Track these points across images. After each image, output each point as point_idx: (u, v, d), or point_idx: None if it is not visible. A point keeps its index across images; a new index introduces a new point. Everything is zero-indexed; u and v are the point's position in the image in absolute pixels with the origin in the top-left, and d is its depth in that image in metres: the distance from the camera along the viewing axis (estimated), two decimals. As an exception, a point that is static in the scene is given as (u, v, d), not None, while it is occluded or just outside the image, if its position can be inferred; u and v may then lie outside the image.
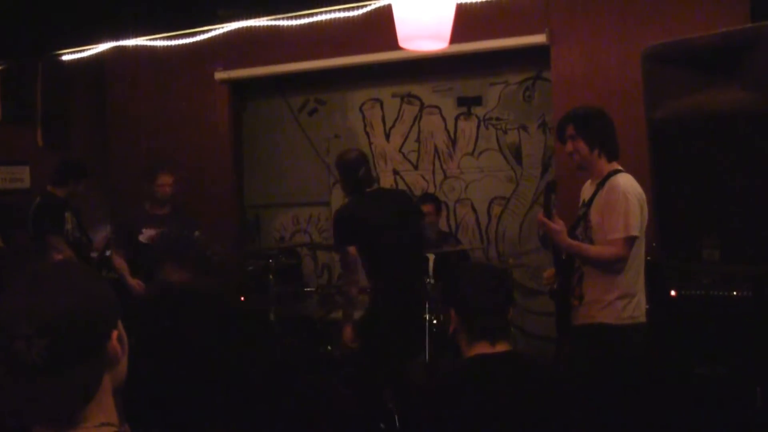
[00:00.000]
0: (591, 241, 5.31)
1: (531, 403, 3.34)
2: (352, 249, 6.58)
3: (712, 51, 3.91)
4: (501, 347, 3.48)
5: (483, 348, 3.47)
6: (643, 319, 5.29)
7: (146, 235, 7.79)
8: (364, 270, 6.76)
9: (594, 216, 5.31)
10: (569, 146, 5.47)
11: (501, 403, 3.27)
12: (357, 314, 6.67)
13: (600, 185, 5.34)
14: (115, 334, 1.91)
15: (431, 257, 7.00)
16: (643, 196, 5.20)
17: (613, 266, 5.19)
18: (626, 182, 5.23)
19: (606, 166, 5.38)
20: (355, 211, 6.70)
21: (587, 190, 5.54)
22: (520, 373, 3.46)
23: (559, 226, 5.31)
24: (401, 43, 6.26)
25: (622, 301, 5.19)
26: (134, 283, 7.65)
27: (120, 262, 7.88)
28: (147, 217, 7.93)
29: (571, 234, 5.41)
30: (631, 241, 5.12)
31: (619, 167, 5.38)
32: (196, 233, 7.83)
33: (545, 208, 5.43)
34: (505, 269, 7.78)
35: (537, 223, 5.56)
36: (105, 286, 1.98)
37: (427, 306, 6.69)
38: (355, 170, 6.74)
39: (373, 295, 6.76)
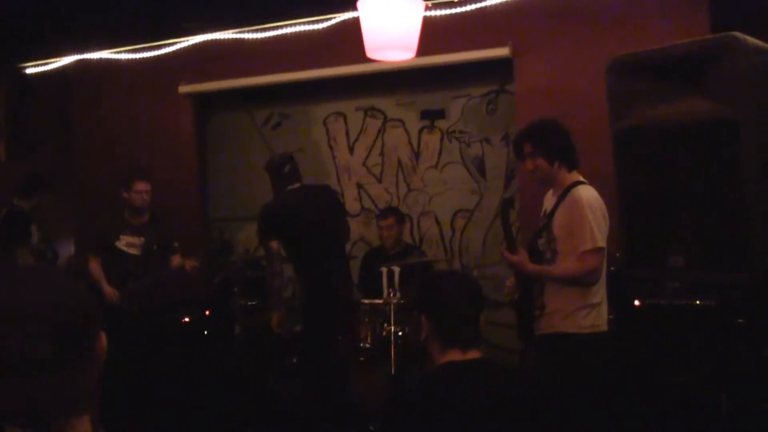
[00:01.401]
0: (554, 252, 5.35)
1: (503, 408, 3.37)
2: (274, 243, 7.03)
3: (675, 62, 3.97)
4: (473, 354, 3.52)
5: (455, 355, 3.50)
6: (604, 327, 5.34)
7: (124, 242, 7.77)
8: (291, 263, 7.24)
9: (557, 228, 5.36)
10: (529, 164, 5.51)
11: (474, 409, 3.29)
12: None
13: (561, 197, 5.39)
14: (101, 334, 1.92)
15: (396, 270, 7.01)
16: (604, 207, 5.26)
17: (586, 279, 5.23)
18: (588, 195, 5.27)
19: (567, 177, 5.43)
20: (279, 208, 7.09)
21: (549, 200, 5.59)
22: (492, 379, 3.49)
23: (520, 256, 5.39)
24: (369, 53, 6.29)
25: (584, 311, 5.24)
26: (110, 291, 7.63)
27: (96, 268, 7.83)
28: (125, 225, 7.88)
29: (533, 244, 5.47)
30: (599, 251, 5.17)
31: (580, 177, 5.44)
32: (175, 244, 7.82)
33: (506, 237, 5.52)
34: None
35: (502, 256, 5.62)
36: (86, 288, 2.00)
37: (391, 317, 6.70)
38: (279, 168, 6.95)
39: (302, 286, 7.12)
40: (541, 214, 5.63)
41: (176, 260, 7.77)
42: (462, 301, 3.61)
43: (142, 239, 7.76)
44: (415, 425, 3.29)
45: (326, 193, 7.59)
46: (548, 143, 5.43)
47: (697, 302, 6.01)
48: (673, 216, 4.05)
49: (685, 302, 6.04)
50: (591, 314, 5.25)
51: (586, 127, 6.52)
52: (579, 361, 5.20)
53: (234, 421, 7.19)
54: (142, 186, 7.76)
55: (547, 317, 5.37)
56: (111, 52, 9.76)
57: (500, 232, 5.91)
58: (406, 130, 9.34)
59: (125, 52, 9.74)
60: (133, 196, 7.75)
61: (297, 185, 7.20)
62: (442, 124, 9.16)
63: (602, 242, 5.17)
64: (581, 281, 5.24)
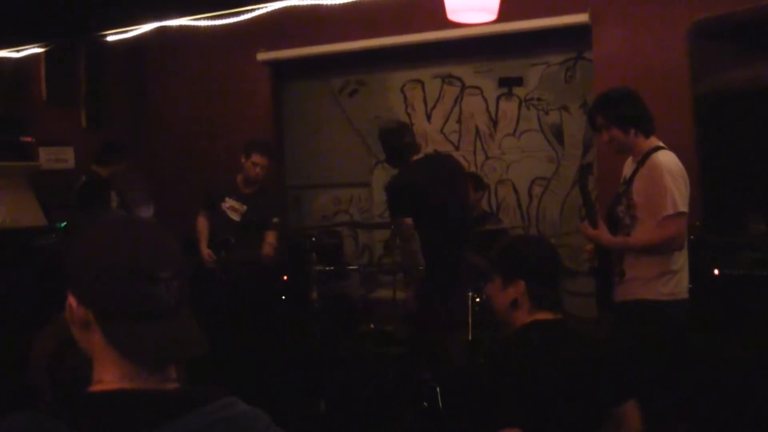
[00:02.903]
0: (633, 218, 5.29)
1: (591, 362, 3.42)
2: (408, 220, 6.68)
3: (756, 25, 3.91)
4: (559, 315, 3.57)
5: (545, 315, 3.55)
6: (684, 295, 5.27)
7: (228, 204, 7.91)
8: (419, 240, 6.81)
9: (636, 194, 5.30)
10: (604, 135, 5.45)
11: (565, 361, 3.35)
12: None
13: (640, 162, 5.32)
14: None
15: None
16: (685, 172, 5.19)
17: (668, 246, 5.17)
18: (667, 159, 5.19)
19: (644, 143, 5.35)
20: (407, 181, 6.76)
21: (628, 166, 5.52)
22: (578, 340, 3.53)
23: (600, 231, 5.36)
24: (450, 15, 6.27)
25: (663, 278, 5.18)
26: (206, 253, 7.84)
27: (202, 226, 8.06)
28: (235, 189, 8.01)
29: (613, 211, 5.42)
30: (681, 216, 5.10)
31: (659, 142, 5.36)
32: (274, 220, 7.87)
33: (585, 205, 5.48)
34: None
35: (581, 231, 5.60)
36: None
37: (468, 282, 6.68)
38: (399, 139, 6.79)
39: (429, 263, 6.79)
40: (621, 180, 5.58)
41: (270, 237, 7.81)
42: (555, 262, 3.66)
43: (245, 207, 7.85)
44: (500, 381, 3.32)
45: (450, 163, 7.44)
46: (620, 113, 5.37)
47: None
48: (753, 182, 3.99)
49: (765, 272, 5.95)
50: (671, 281, 5.19)
51: (665, 94, 6.45)
52: (656, 328, 5.16)
53: (310, 385, 7.25)
54: (258, 159, 7.83)
55: (627, 284, 5.32)
56: (189, 20, 9.80)
57: (578, 200, 5.89)
58: (484, 98, 9.29)
59: (203, 19, 9.78)
60: (249, 165, 7.84)
61: (421, 155, 7.09)
62: (519, 91, 9.10)
63: (683, 207, 5.08)
64: (663, 248, 5.18)
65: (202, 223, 8.04)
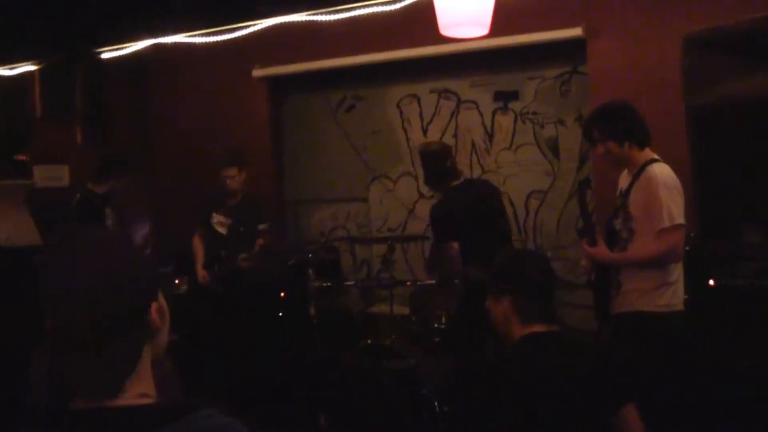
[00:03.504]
0: (630, 231, 5.33)
1: (584, 378, 3.42)
2: (454, 244, 6.80)
3: (751, 36, 3.93)
4: (552, 328, 3.57)
5: (538, 328, 3.55)
6: (680, 306, 5.33)
7: (216, 220, 8.14)
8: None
9: (633, 207, 5.33)
10: (600, 149, 5.51)
11: (556, 378, 3.35)
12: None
13: (636, 175, 5.36)
14: (155, 305, 1.95)
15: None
16: (679, 184, 5.23)
17: (666, 258, 5.22)
18: (662, 172, 5.24)
19: (640, 156, 5.40)
20: (448, 208, 6.93)
21: (624, 179, 5.56)
22: (573, 349, 3.54)
23: (599, 248, 5.40)
24: (442, 30, 6.29)
25: (661, 290, 5.24)
26: (201, 273, 8.06)
27: (197, 245, 8.30)
28: (220, 204, 8.23)
29: (610, 224, 5.45)
30: (678, 228, 5.13)
31: (654, 155, 5.40)
32: (260, 227, 7.93)
33: (583, 219, 5.52)
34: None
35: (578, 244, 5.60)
36: (144, 258, 2.05)
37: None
38: (440, 164, 6.86)
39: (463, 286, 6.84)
40: (617, 194, 5.60)
41: (259, 244, 7.88)
42: (543, 275, 3.66)
43: (230, 220, 7.98)
44: (496, 394, 3.33)
45: (487, 189, 7.47)
46: (614, 126, 5.42)
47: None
48: (748, 193, 4.01)
49: (761, 283, 5.96)
50: (667, 293, 5.24)
51: (661, 107, 6.47)
52: (654, 339, 5.19)
53: (309, 400, 7.26)
54: (228, 172, 8.10)
55: (624, 296, 5.37)
56: (186, 36, 9.84)
57: (574, 212, 5.90)
58: (480, 112, 9.31)
59: (200, 35, 9.82)
60: (222, 180, 8.08)
61: (461, 180, 7.11)
62: (515, 105, 9.12)
63: (680, 219, 5.13)
64: (661, 261, 5.23)
65: (197, 243, 8.26)
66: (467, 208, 6.78)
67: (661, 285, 5.22)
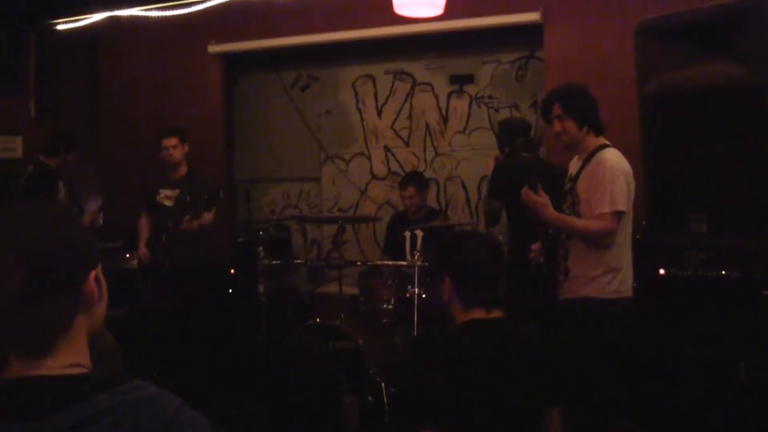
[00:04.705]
0: (578, 215, 5.32)
1: (524, 365, 3.37)
2: (495, 203, 7.25)
3: (704, 25, 3.94)
4: (496, 314, 3.51)
5: (478, 314, 3.49)
6: (629, 293, 5.31)
7: (162, 194, 7.98)
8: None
9: (581, 190, 5.32)
10: (557, 126, 5.46)
11: (495, 365, 3.30)
12: None
13: (587, 160, 5.35)
14: (92, 274, 1.93)
15: (419, 234, 6.99)
16: (630, 171, 5.21)
17: (599, 240, 5.20)
18: (613, 157, 5.22)
19: (593, 141, 5.38)
20: (512, 170, 6.87)
21: (574, 164, 5.55)
22: (514, 337, 3.48)
23: (543, 199, 5.32)
24: (397, 9, 6.26)
25: (608, 276, 5.21)
26: (142, 251, 7.89)
27: (142, 225, 8.14)
28: (165, 179, 8.07)
29: (558, 209, 5.41)
30: (617, 215, 5.12)
31: (606, 142, 5.39)
32: (205, 196, 7.86)
33: (529, 181, 5.43)
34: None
35: (522, 196, 5.52)
36: (85, 228, 2.03)
37: (415, 280, 6.70)
38: (520, 133, 7.10)
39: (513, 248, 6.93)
40: (566, 178, 5.60)
41: (207, 216, 7.79)
42: (483, 259, 3.59)
43: (177, 191, 7.87)
44: (436, 380, 3.28)
45: (553, 170, 7.45)
46: (578, 106, 5.38)
47: (722, 272, 5.95)
48: (697, 181, 4.02)
49: (709, 273, 5.98)
50: (616, 279, 5.22)
51: (615, 95, 6.51)
52: (600, 325, 5.19)
53: (251, 380, 7.26)
54: (167, 142, 7.89)
55: (571, 282, 5.35)
56: (141, 10, 9.74)
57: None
58: (435, 95, 9.32)
59: (155, 9, 9.72)
60: (162, 152, 7.89)
61: (531, 155, 7.13)
62: (470, 89, 9.13)
63: (621, 206, 5.10)
64: (595, 240, 5.21)
65: (143, 222, 8.12)
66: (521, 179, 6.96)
67: (609, 271, 5.20)
